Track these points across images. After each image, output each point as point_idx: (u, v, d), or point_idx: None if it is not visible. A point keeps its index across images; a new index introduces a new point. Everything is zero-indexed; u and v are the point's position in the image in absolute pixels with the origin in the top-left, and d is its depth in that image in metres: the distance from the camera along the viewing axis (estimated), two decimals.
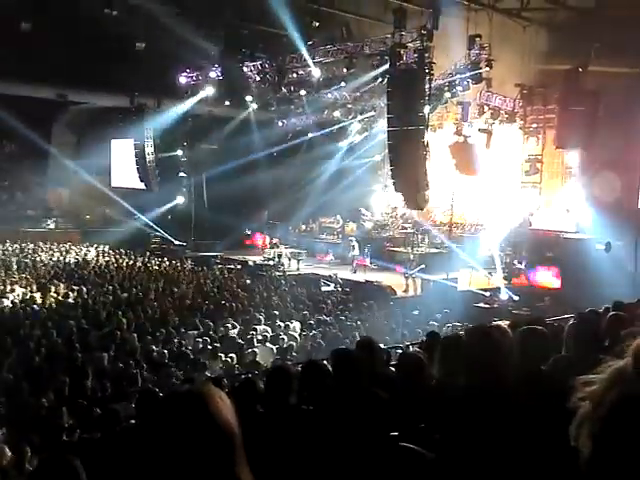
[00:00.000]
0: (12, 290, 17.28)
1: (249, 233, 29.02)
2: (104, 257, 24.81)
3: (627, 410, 1.13)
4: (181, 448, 1.54)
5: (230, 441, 1.58)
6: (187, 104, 26.82)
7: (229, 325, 13.91)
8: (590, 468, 1.16)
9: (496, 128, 24.13)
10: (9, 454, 6.42)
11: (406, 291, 21.06)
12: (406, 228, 27.30)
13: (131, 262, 23.64)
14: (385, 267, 23.43)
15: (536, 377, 3.61)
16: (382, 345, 6.79)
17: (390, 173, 21.54)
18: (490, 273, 21.66)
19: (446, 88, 22.04)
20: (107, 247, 26.77)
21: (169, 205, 29.19)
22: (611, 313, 5.62)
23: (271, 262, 24.95)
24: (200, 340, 12.48)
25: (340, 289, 20.41)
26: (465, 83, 21.20)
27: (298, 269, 24.38)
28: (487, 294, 19.90)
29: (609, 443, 1.13)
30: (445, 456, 3.05)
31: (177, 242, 28.36)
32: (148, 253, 26.16)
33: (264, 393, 4.42)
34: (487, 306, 18.96)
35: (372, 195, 30.27)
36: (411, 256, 22.97)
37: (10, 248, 24.75)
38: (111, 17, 22.50)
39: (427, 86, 18.88)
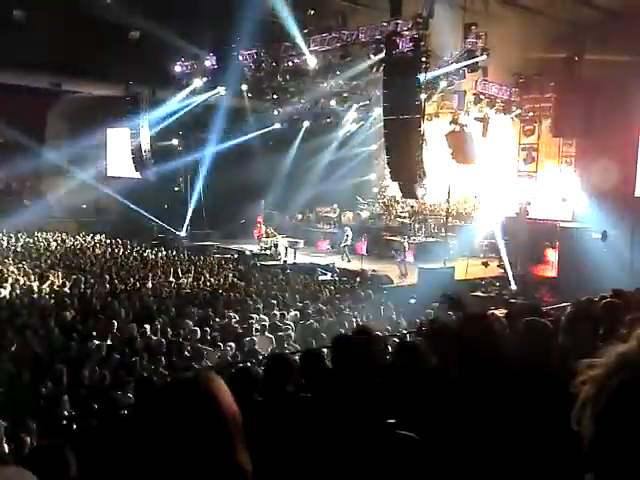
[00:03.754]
0: (8, 279, 17.24)
1: (243, 222, 28.92)
2: (101, 247, 24.77)
3: (631, 394, 1.14)
4: (183, 434, 1.55)
5: (232, 427, 1.59)
6: (182, 93, 26.73)
7: (227, 314, 13.94)
8: (592, 451, 1.17)
9: (492, 117, 24.11)
10: (6, 447, 6.44)
11: (401, 277, 21.13)
12: (403, 217, 27.38)
13: (127, 251, 23.61)
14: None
15: (532, 364, 3.63)
16: (379, 333, 6.81)
17: (386, 162, 21.55)
18: (486, 262, 21.73)
19: (442, 77, 21.99)
20: (103, 236, 26.71)
21: (165, 194, 29.18)
22: (605, 300, 5.64)
23: (268, 251, 24.98)
24: (198, 329, 12.48)
25: (337, 278, 20.44)
26: (461, 72, 21.15)
27: (295, 258, 24.39)
28: (484, 283, 19.98)
29: (612, 427, 1.14)
30: (441, 444, 3.07)
31: (178, 232, 28.31)
32: (144, 242, 26.11)
33: (262, 381, 4.44)
34: (484, 295, 19.02)
35: (369, 184, 30.28)
36: (405, 243, 23.13)
37: (6, 238, 24.67)
38: (105, 5, 22.39)
39: (423, 75, 18.85)
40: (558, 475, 2.45)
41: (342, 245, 24.42)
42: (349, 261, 23.48)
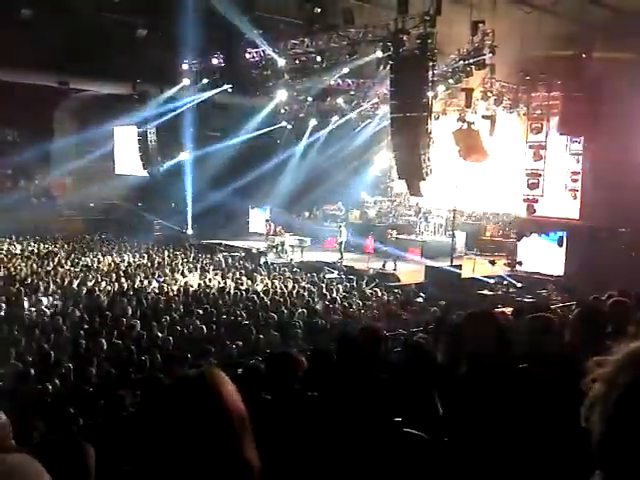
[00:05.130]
0: (17, 277, 17.30)
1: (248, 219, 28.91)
2: (108, 245, 24.84)
3: None
4: (189, 430, 1.55)
5: (238, 423, 1.60)
6: (189, 91, 26.75)
7: (234, 312, 13.96)
8: (601, 449, 1.17)
9: (499, 115, 24.05)
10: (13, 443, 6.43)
11: (384, 267, 21.73)
12: (409, 215, 27.40)
13: (135, 250, 23.66)
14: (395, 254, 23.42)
15: (539, 362, 3.62)
16: (386, 332, 6.80)
17: (393, 160, 21.53)
18: (493, 260, 21.70)
19: (449, 74, 21.94)
20: (111, 234, 26.79)
21: (172, 192, 29.20)
22: (613, 299, 5.62)
23: (275, 249, 25.00)
24: (205, 327, 12.50)
25: (344, 276, 20.42)
26: (468, 69, 21.09)
27: (302, 256, 24.38)
28: (491, 281, 19.93)
29: (621, 425, 1.14)
30: (448, 441, 3.06)
31: (185, 230, 28.29)
32: (151, 241, 26.16)
33: (269, 379, 4.44)
34: (491, 293, 18.98)
35: (375, 182, 30.26)
36: (393, 238, 24.15)
37: (14, 236, 24.75)
38: (113, 4, 22.43)
39: (430, 72, 18.81)
40: (567, 472, 2.44)
41: (338, 242, 24.43)
42: (341, 257, 23.42)
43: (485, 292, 19.07)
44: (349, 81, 26.17)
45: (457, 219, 24.26)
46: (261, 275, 19.44)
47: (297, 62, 23.74)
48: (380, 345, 5.29)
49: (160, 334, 11.93)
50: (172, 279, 18.24)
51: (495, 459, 2.71)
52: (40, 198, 31.31)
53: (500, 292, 19.19)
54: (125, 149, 30.77)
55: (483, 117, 23.67)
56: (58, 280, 17.04)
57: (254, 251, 25.03)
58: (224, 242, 26.59)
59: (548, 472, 2.64)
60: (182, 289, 16.76)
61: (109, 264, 20.16)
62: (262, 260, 22.91)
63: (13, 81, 24.83)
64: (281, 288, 17.27)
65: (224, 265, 21.17)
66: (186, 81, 26.53)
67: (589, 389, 1.22)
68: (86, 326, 12.37)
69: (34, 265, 19.27)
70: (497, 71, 22.38)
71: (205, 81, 26.11)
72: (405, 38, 19.09)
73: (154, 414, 1.66)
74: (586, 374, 1.23)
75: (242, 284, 17.74)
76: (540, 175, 23.54)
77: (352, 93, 27.53)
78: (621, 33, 19.01)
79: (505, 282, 19.93)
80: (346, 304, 15.42)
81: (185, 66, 26.21)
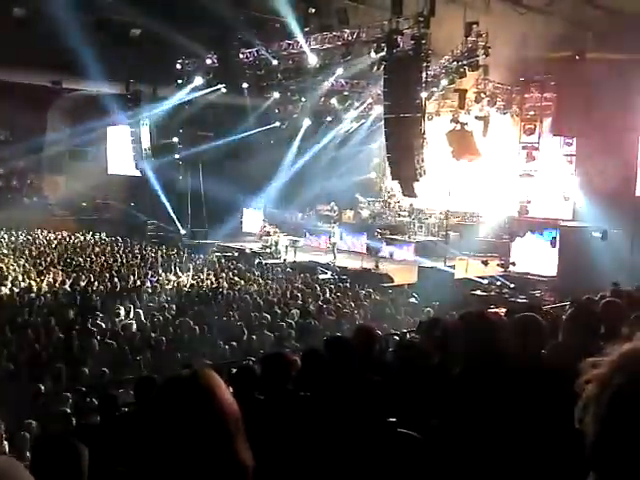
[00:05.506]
0: (8, 277, 17.22)
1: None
2: (101, 245, 24.76)
3: (633, 394, 1.13)
4: (183, 431, 1.55)
5: (231, 423, 1.59)
6: (183, 91, 26.69)
7: (227, 312, 13.94)
8: (596, 451, 1.17)
9: (493, 116, 24.09)
10: (6, 445, 6.40)
11: (376, 267, 21.88)
12: (403, 216, 27.44)
13: (127, 249, 23.59)
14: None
15: (534, 363, 3.63)
16: (380, 332, 6.80)
17: (387, 161, 21.55)
18: (486, 261, 21.75)
19: (443, 75, 21.97)
20: (104, 234, 26.71)
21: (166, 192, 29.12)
22: (605, 300, 5.63)
23: (268, 250, 24.97)
24: (198, 327, 12.48)
25: (337, 277, 20.43)
26: (462, 70, 21.12)
27: (295, 257, 24.37)
28: (484, 281, 19.99)
29: (616, 426, 1.14)
30: (443, 442, 3.06)
31: (178, 230, 28.22)
32: (144, 241, 26.09)
33: (262, 379, 4.44)
34: (484, 293, 19.03)
35: (369, 183, 30.28)
36: (382, 238, 24.24)
37: (6, 236, 24.66)
38: (106, 3, 22.35)
39: (424, 73, 18.83)
40: (560, 474, 2.44)
41: (330, 242, 24.44)
42: (334, 258, 23.42)
43: (478, 292, 19.13)
44: (343, 81, 26.16)
45: (450, 220, 24.31)
46: (254, 275, 19.42)
47: (291, 62, 23.73)
48: (374, 345, 5.29)
49: (153, 334, 11.91)
50: (165, 279, 18.21)
51: (489, 460, 2.71)
52: (32, 197, 31.22)
53: (493, 292, 19.26)
54: (118, 149, 30.68)
55: (476, 118, 23.72)
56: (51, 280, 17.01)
57: (247, 251, 25.01)
58: (217, 242, 26.56)
59: (543, 473, 2.64)
60: (175, 289, 16.74)
61: (102, 264, 20.08)
62: (255, 260, 22.90)
63: (5, 80, 24.72)
64: (274, 288, 17.26)
65: (217, 265, 21.14)
66: (180, 81, 26.46)
67: (583, 390, 1.21)
68: (79, 326, 12.34)
69: (26, 265, 19.18)
70: (491, 72, 22.43)
71: (199, 81, 26.04)
72: (399, 39, 19.10)
73: (147, 415, 1.65)
74: (580, 375, 1.23)
75: (235, 284, 17.73)
76: (533, 176, 23.60)
77: (346, 94, 27.51)
78: (615, 34, 19.07)
79: (498, 282, 19.99)
80: (339, 304, 15.42)
81: (179, 66, 26.15)
